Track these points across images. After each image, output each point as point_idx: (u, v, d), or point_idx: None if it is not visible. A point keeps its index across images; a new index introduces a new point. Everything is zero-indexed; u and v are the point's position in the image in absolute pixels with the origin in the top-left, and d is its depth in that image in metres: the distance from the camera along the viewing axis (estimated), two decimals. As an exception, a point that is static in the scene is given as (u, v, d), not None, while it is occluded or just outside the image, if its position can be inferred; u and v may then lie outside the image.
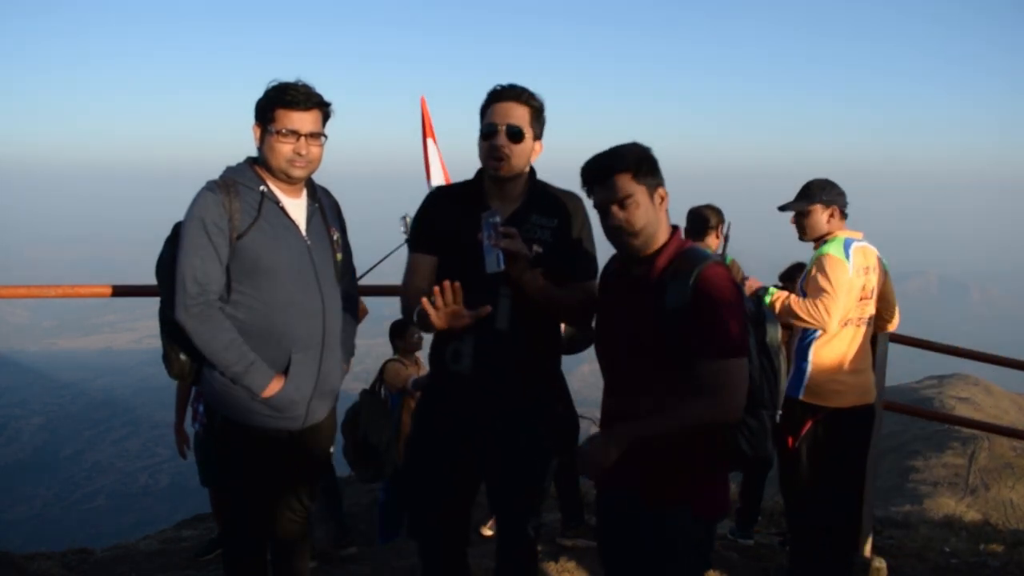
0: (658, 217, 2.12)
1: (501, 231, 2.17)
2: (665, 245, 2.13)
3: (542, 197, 2.45)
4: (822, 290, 3.21)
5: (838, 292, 3.20)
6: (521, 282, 2.25)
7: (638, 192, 2.07)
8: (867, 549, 4.08)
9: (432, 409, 2.52)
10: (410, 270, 2.48)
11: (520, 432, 2.43)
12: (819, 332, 3.33)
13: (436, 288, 2.14)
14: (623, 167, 2.06)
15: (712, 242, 4.31)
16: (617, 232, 2.10)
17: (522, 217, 2.38)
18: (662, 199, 2.13)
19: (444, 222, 2.43)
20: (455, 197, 2.49)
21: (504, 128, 2.30)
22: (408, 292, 2.42)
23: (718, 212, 4.36)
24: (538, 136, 2.40)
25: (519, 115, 2.32)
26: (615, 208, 2.07)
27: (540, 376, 2.47)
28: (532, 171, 2.48)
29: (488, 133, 2.33)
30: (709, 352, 2.00)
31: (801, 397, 3.35)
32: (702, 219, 4.31)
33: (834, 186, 3.46)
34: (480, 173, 2.45)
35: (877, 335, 3.99)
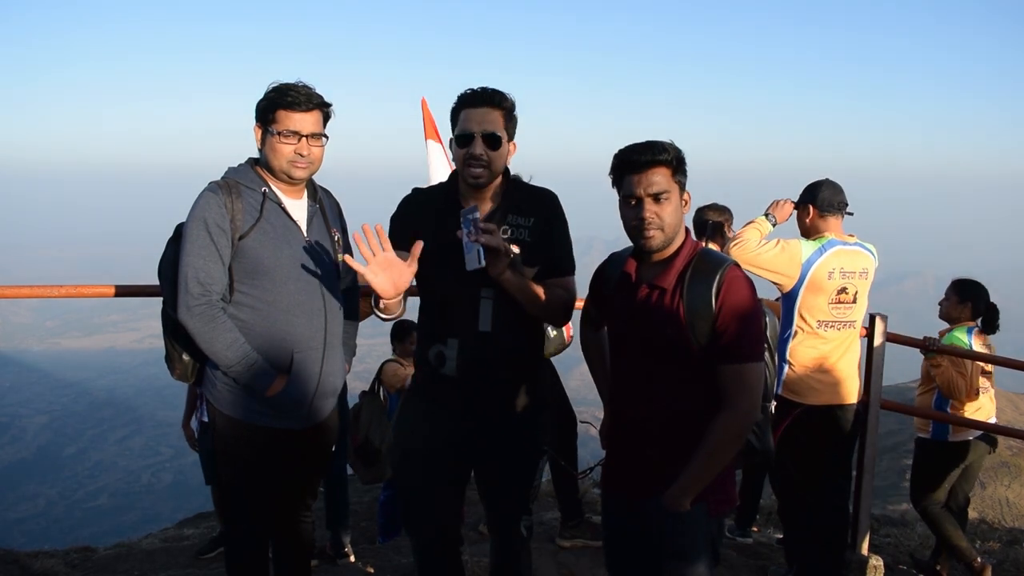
0: (681, 219, 2.12)
1: (481, 227, 2.15)
2: (681, 248, 2.13)
3: (518, 196, 2.43)
4: (757, 240, 3.37)
5: (760, 254, 3.31)
6: (501, 279, 2.24)
7: (673, 190, 2.06)
8: (864, 547, 4.09)
9: (420, 411, 2.51)
10: None
11: (508, 433, 2.45)
12: (795, 330, 3.40)
13: (359, 233, 2.16)
14: (665, 161, 2.04)
15: (716, 243, 4.31)
16: (645, 226, 2.06)
17: (499, 217, 2.36)
18: (686, 203, 2.13)
19: (422, 223, 2.39)
20: (431, 199, 2.46)
21: (480, 135, 2.28)
22: None
23: (717, 211, 4.36)
24: (511, 137, 2.38)
25: (493, 120, 2.29)
26: (649, 200, 2.05)
27: (525, 376, 2.47)
28: (506, 170, 2.46)
29: (464, 140, 2.30)
30: (730, 357, 2.02)
31: (780, 392, 3.41)
32: (707, 220, 4.32)
33: (814, 185, 3.49)
34: (454, 175, 2.45)
35: (875, 334, 4.01)
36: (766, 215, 3.52)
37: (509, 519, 2.57)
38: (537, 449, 2.55)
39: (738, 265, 2.11)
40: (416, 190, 2.53)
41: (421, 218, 2.41)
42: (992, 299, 4.40)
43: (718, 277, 2.04)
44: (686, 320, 2.04)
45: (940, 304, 4.45)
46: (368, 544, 4.43)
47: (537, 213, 2.41)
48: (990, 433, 4.35)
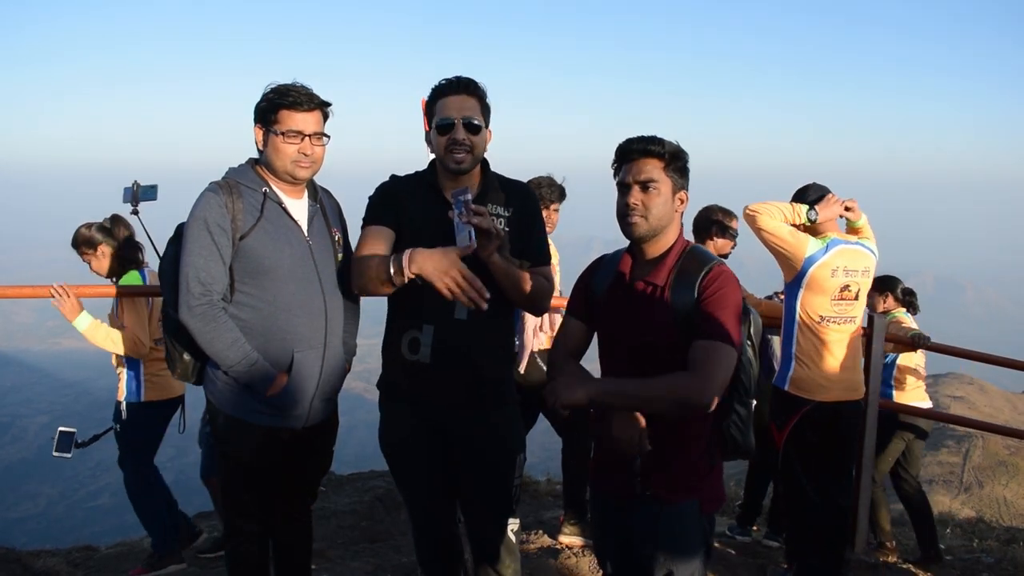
0: (672, 216, 2.13)
1: (472, 209, 2.19)
2: (673, 246, 2.15)
3: (496, 187, 2.47)
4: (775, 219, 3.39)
5: (780, 227, 3.36)
6: (489, 261, 2.26)
7: (663, 182, 2.08)
8: (863, 546, 4.11)
9: (394, 404, 2.51)
10: (368, 240, 2.39)
11: (482, 428, 2.44)
12: (798, 326, 3.41)
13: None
14: (657, 153, 2.08)
15: (718, 244, 4.32)
16: (630, 212, 2.09)
17: (479, 205, 2.35)
18: (682, 202, 2.15)
19: (404, 208, 2.41)
20: (411, 186, 2.48)
21: (461, 121, 2.31)
22: (364, 256, 2.36)
23: (718, 211, 4.37)
24: (487, 124, 2.41)
25: (471, 107, 2.34)
26: (636, 188, 2.08)
27: (498, 367, 2.47)
28: (485, 161, 2.48)
29: (445, 127, 2.33)
30: (702, 333, 2.02)
31: (786, 388, 3.42)
32: (699, 220, 4.33)
33: (802, 190, 3.52)
34: (433, 164, 2.47)
35: (874, 334, 4.03)
36: (810, 208, 3.43)
37: (493, 521, 2.57)
38: (513, 445, 2.53)
39: (723, 263, 2.12)
40: (394, 177, 2.54)
41: (402, 203, 2.43)
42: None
43: (704, 272, 2.06)
44: (675, 315, 2.06)
45: (878, 310, 4.74)
46: (368, 543, 4.45)
47: (515, 204, 2.46)
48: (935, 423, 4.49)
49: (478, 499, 2.55)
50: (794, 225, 3.44)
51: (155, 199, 3.80)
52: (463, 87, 2.35)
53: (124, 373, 3.86)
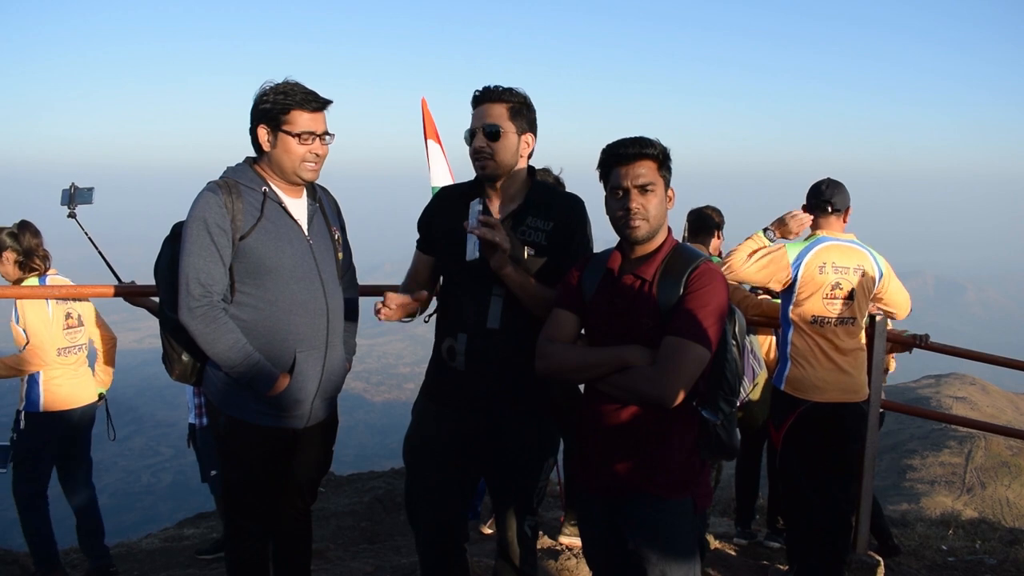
0: (665, 213, 2.16)
1: (480, 220, 2.22)
2: (664, 243, 2.17)
3: (540, 199, 2.46)
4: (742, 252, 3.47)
5: (752, 263, 3.43)
6: (501, 274, 2.29)
7: (658, 183, 2.11)
8: (864, 547, 4.09)
9: (429, 409, 2.56)
10: (410, 269, 2.67)
11: (513, 432, 2.46)
12: (793, 326, 3.43)
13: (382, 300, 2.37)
14: (652, 155, 2.10)
15: (713, 244, 4.32)
16: (631, 216, 2.10)
17: (519, 218, 2.41)
18: (670, 199, 2.18)
19: (443, 220, 2.51)
20: (457, 195, 2.54)
21: (481, 129, 2.36)
22: (405, 282, 2.67)
23: (719, 213, 4.37)
24: (524, 130, 2.42)
25: (496, 114, 2.37)
26: (636, 192, 2.09)
27: (531, 375, 2.45)
28: (532, 171, 2.51)
29: (468, 137, 2.41)
30: (675, 329, 2.03)
31: (783, 388, 3.43)
32: (704, 220, 4.33)
33: (822, 183, 3.55)
34: None
35: (875, 334, 4.01)
36: (765, 230, 3.56)
37: (513, 518, 2.59)
38: (543, 450, 2.55)
39: (710, 261, 2.14)
40: (445, 188, 2.70)
41: (444, 215, 2.53)
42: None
43: (690, 268, 2.09)
44: (660, 310, 2.07)
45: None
46: (368, 544, 4.44)
47: (557, 218, 2.44)
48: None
49: (505, 499, 2.59)
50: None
51: (91, 202, 3.85)
52: (488, 96, 2.40)
53: (25, 381, 3.80)
